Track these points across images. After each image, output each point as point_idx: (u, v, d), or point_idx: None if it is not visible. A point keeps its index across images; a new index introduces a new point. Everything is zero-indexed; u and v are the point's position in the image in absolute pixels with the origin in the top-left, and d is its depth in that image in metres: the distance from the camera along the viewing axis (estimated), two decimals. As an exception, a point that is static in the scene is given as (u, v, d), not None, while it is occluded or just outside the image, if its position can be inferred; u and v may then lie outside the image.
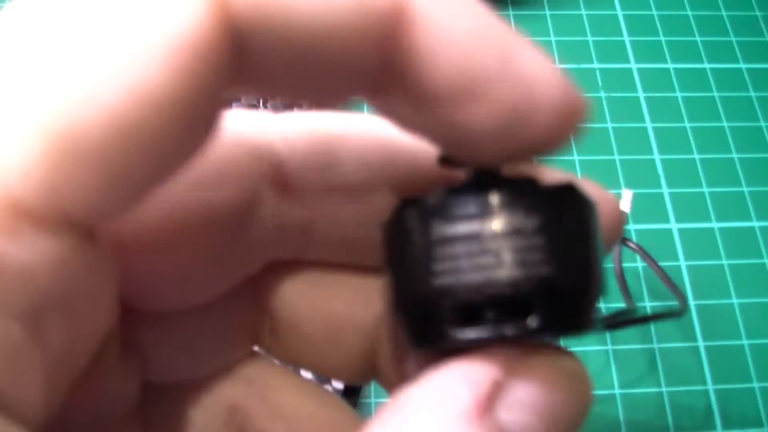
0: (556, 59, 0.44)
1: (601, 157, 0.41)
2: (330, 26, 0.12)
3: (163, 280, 0.16)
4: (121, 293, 0.15)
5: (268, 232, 0.17)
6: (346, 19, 0.12)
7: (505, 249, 0.14)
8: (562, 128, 0.14)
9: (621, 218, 0.18)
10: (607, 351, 0.35)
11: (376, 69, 0.13)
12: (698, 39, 0.46)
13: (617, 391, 0.35)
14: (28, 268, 0.11)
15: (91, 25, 0.11)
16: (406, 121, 0.15)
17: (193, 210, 0.16)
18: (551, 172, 0.17)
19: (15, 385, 0.11)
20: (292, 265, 0.18)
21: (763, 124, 0.43)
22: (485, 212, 0.14)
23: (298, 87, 0.14)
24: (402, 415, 0.14)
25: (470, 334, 0.14)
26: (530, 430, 0.14)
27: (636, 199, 0.40)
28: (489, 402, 0.14)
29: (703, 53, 0.45)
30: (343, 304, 0.18)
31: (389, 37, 0.13)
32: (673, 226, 0.39)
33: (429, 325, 0.15)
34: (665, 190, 0.40)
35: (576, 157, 0.41)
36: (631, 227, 0.39)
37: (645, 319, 0.23)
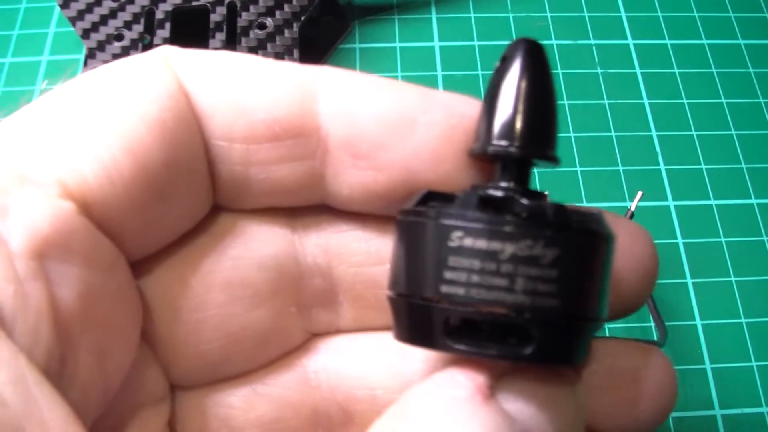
0: (553, 36, 0.43)
1: (598, 134, 0.40)
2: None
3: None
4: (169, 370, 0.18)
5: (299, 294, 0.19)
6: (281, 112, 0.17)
7: (518, 275, 0.14)
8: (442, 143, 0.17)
9: (655, 264, 0.18)
10: (603, 330, 0.35)
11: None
12: (696, 15, 0.45)
13: (614, 369, 0.35)
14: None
15: (95, 114, 0.16)
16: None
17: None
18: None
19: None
20: (339, 345, 0.20)
21: (761, 100, 0.42)
22: (508, 233, 0.14)
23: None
24: (408, 405, 0.14)
25: (461, 345, 0.15)
26: (535, 420, 0.14)
27: (633, 176, 0.39)
28: (489, 388, 0.14)
29: (701, 29, 0.44)
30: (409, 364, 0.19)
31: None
32: (671, 203, 0.39)
33: (423, 325, 0.15)
34: (663, 167, 0.40)
35: (572, 134, 0.40)
36: (628, 204, 0.38)
37: None
